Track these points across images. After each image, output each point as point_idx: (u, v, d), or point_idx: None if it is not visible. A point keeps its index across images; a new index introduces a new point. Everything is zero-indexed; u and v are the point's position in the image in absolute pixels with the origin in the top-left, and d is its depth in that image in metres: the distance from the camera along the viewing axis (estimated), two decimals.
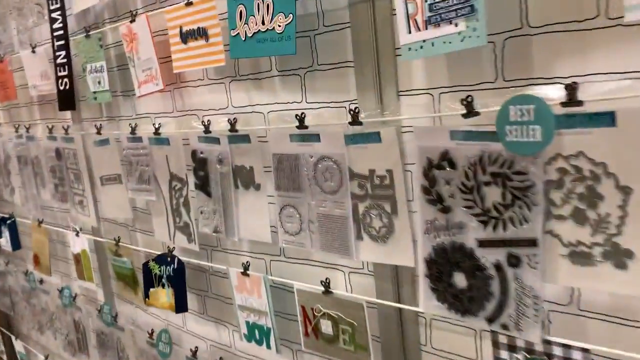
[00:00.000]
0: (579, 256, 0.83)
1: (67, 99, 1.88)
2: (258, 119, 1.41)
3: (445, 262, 0.99)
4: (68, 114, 2.15)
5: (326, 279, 1.24)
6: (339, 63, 1.22)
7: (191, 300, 1.78)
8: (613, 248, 0.80)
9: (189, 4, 1.35)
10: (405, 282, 1.19)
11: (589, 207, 0.81)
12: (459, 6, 0.87)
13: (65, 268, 2.53)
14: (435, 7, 0.91)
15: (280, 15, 1.14)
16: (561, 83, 0.88)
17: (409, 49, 0.96)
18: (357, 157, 1.10)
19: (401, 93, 1.13)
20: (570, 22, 0.88)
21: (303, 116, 1.17)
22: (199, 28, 1.36)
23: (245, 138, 1.33)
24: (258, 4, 1.18)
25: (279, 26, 1.15)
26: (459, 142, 0.93)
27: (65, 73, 1.85)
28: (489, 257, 0.93)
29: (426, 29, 0.93)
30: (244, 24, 1.22)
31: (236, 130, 1.34)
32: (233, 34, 1.25)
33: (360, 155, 1.09)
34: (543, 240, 0.86)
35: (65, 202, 2.11)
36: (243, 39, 1.23)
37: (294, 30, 1.13)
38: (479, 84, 1.00)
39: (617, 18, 0.83)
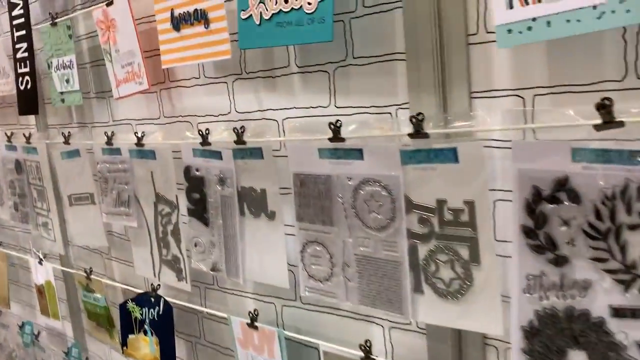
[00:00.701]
0: None
1: (28, 101, 1.56)
2: (271, 127, 1.11)
3: (556, 335, 0.69)
4: (31, 119, 1.81)
5: (366, 341, 0.94)
6: (383, 55, 0.93)
7: (179, 346, 1.46)
8: None
9: None
10: (472, 346, 0.90)
11: None
12: None
13: (28, 297, 2.17)
14: None
15: None
16: None
17: (509, 30, 0.67)
18: (419, 182, 0.80)
19: (475, 94, 0.83)
20: None
21: (339, 125, 0.87)
22: (196, 10, 1.05)
23: (256, 152, 1.03)
24: None
25: (309, 4, 0.85)
26: (587, 164, 0.64)
27: (27, 70, 1.53)
28: (630, 333, 0.64)
29: (539, 1, 0.64)
30: (259, 2, 0.92)
31: (244, 142, 1.04)
32: (244, 17, 0.95)
33: (423, 179, 0.80)
34: None
35: (26, 223, 1.77)
36: (257, 22, 0.93)
37: (332, 9, 0.84)
38: (598, 82, 0.72)
39: None
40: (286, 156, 0.98)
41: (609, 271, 0.64)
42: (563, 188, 0.66)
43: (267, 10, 0.91)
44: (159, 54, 1.15)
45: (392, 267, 0.85)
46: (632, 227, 0.62)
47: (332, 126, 0.88)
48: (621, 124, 0.61)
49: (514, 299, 0.73)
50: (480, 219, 0.75)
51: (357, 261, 0.90)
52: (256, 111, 1.14)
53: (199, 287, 1.39)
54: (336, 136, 0.88)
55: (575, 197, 0.66)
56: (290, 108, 1.08)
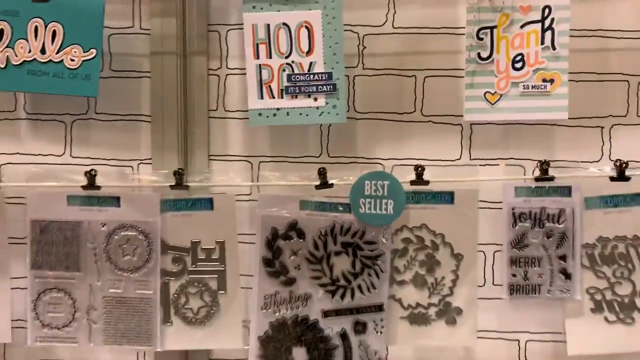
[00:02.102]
0: (417, 317, 0.95)
1: None
2: None
3: (285, 338, 0.94)
4: None
5: None
6: (128, 115, 1.04)
7: None
8: (445, 307, 0.94)
9: None
10: None
11: (427, 272, 0.94)
12: (321, 83, 0.90)
13: None
14: (294, 78, 0.91)
15: (76, 47, 0.91)
16: (381, 164, 1.01)
17: (260, 114, 0.92)
18: (176, 226, 0.95)
19: (213, 157, 1.04)
20: (391, 113, 1.02)
21: (94, 173, 0.94)
22: None
23: None
24: (36, 26, 0.91)
25: (72, 60, 0.91)
26: (310, 212, 0.93)
27: None
28: (334, 327, 0.94)
29: (282, 97, 0.92)
30: (6, 46, 0.91)
31: None
32: None
33: (181, 224, 0.95)
34: (388, 305, 0.94)
35: None
36: (2, 66, 0.91)
37: (97, 68, 0.92)
38: (303, 157, 1.04)
39: (429, 116, 1.02)
40: (17, 203, 0.96)
41: (322, 285, 0.94)
42: (294, 228, 0.93)
43: (16, 55, 0.91)
44: None
45: (144, 304, 0.95)
46: (337, 253, 0.93)
47: (87, 174, 0.94)
48: (331, 185, 0.93)
49: (254, 315, 0.95)
50: (229, 255, 0.95)
51: (105, 303, 0.95)
52: None
53: None
54: (92, 184, 0.94)
55: (301, 235, 0.93)
56: (13, 153, 1.05)
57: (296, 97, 0.91)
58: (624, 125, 1.00)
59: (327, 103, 0.91)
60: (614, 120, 1.00)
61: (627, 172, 0.91)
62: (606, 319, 0.94)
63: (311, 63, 0.90)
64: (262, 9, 0.90)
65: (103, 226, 0.95)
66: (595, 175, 0.94)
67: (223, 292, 0.96)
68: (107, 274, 0.95)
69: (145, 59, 1.03)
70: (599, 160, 1.00)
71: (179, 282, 0.96)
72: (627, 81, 0.99)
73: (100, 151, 1.04)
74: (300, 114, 0.91)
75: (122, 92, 1.03)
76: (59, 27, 0.91)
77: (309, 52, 0.90)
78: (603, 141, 1.01)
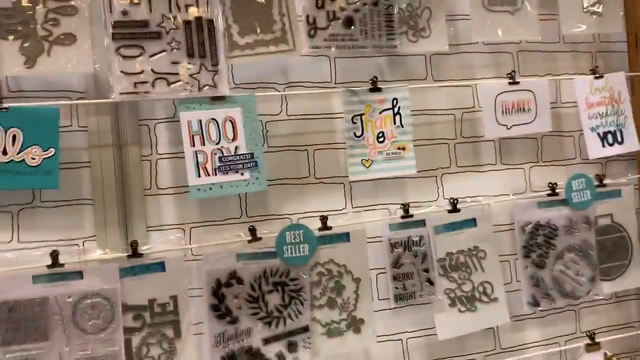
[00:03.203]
0: (333, 331, 1.24)
1: None
2: None
3: None
4: None
5: None
6: (72, 200, 1.21)
7: None
8: (352, 320, 1.26)
9: None
10: None
11: (337, 295, 1.25)
12: (245, 161, 1.19)
13: None
14: (224, 159, 1.18)
15: (35, 148, 1.08)
16: (289, 218, 1.32)
17: (199, 189, 1.17)
18: (134, 289, 1.13)
19: (150, 229, 1.25)
20: (292, 178, 1.34)
21: (56, 255, 1.09)
22: None
23: None
24: None
25: (33, 159, 1.08)
26: (245, 262, 1.19)
27: None
28: (273, 351, 1.20)
29: (215, 175, 1.18)
30: None
31: None
32: None
33: (138, 286, 1.14)
34: (311, 326, 1.22)
35: None
36: None
37: (57, 164, 1.09)
38: (227, 219, 1.30)
39: (320, 178, 1.35)
40: None
41: (260, 319, 1.19)
42: (234, 277, 1.18)
43: None
44: None
45: (110, 359, 1.11)
46: (270, 292, 1.20)
47: (52, 255, 1.09)
48: (260, 239, 1.20)
49: (207, 353, 1.16)
50: (182, 307, 1.16)
51: None
52: None
53: None
54: (55, 263, 1.09)
55: (240, 281, 1.19)
56: None
57: (227, 173, 1.18)
58: (450, 173, 1.44)
59: (251, 176, 1.19)
60: (443, 171, 1.44)
61: (458, 206, 1.34)
62: (459, 310, 1.33)
63: (236, 147, 1.18)
64: (194, 108, 1.16)
65: (69, 298, 1.09)
66: (439, 210, 1.35)
67: (178, 338, 1.16)
68: (75, 339, 1.09)
69: (85, 151, 1.21)
70: (437, 199, 1.42)
71: (140, 336, 1.13)
72: (447, 143, 1.44)
73: (48, 234, 1.18)
74: (231, 186, 1.18)
75: (65, 181, 1.19)
76: (18, 131, 1.07)
77: (233, 139, 1.18)
78: (437, 186, 1.43)
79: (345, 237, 1.26)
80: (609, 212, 1.44)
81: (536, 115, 1.38)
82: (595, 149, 1.41)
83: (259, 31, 1.22)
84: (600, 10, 1.44)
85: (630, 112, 1.44)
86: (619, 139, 1.42)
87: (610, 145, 1.42)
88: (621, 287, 1.48)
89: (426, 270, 1.31)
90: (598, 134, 1.41)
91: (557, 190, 1.40)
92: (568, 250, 1.41)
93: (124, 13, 1.13)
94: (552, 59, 1.53)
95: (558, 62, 1.53)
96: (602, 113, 1.41)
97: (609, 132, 1.42)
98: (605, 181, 1.43)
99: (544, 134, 1.48)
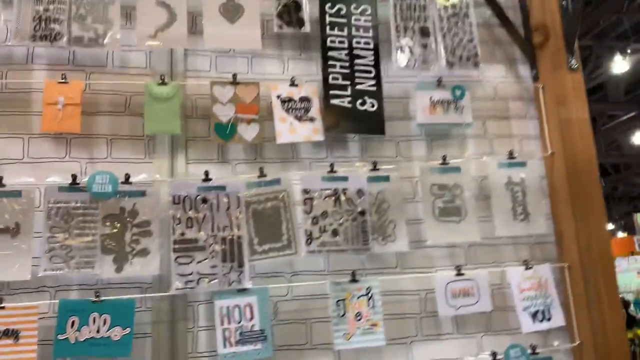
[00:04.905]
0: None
1: None
2: None
3: None
4: None
5: None
6: None
7: None
8: None
9: None
10: None
11: None
12: (257, 335, 1.69)
13: None
14: (243, 334, 1.68)
15: (117, 327, 1.61)
16: None
17: (225, 356, 1.66)
18: None
19: None
20: (296, 344, 1.81)
21: None
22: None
23: None
24: (94, 318, 1.61)
25: (116, 335, 1.61)
26: None
27: None
28: None
29: (236, 346, 1.67)
30: (76, 330, 1.59)
31: None
32: (61, 338, 1.57)
33: None
34: None
35: None
36: (72, 342, 1.57)
37: (131, 339, 1.62)
38: None
39: (319, 344, 1.82)
40: None
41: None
42: None
43: (81, 335, 1.58)
44: None
45: None
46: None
47: None
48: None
49: None
50: None
51: None
52: None
53: None
54: None
55: None
56: None
57: (244, 344, 1.67)
58: (417, 341, 1.89)
59: (262, 347, 1.68)
60: (411, 339, 1.88)
61: None
62: None
63: (252, 325, 1.69)
64: (225, 297, 1.69)
65: None
66: None
67: None
68: None
69: (148, 326, 1.73)
70: None
71: None
72: (415, 317, 1.90)
73: None
74: (247, 354, 1.67)
75: (133, 347, 1.70)
76: (108, 317, 1.61)
77: (251, 318, 1.69)
78: (407, 351, 1.87)
79: None
80: None
81: (479, 298, 1.84)
82: (527, 325, 1.84)
83: (271, 241, 1.77)
84: (528, 218, 1.94)
85: (555, 295, 1.88)
86: (547, 316, 1.85)
87: (540, 321, 1.84)
88: None
89: None
90: (530, 312, 1.85)
91: (497, 358, 1.81)
92: None
93: (182, 234, 1.71)
94: (497, 251, 2.01)
95: (502, 252, 2.01)
96: (532, 296, 1.86)
97: (538, 311, 1.85)
98: (538, 350, 1.84)
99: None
